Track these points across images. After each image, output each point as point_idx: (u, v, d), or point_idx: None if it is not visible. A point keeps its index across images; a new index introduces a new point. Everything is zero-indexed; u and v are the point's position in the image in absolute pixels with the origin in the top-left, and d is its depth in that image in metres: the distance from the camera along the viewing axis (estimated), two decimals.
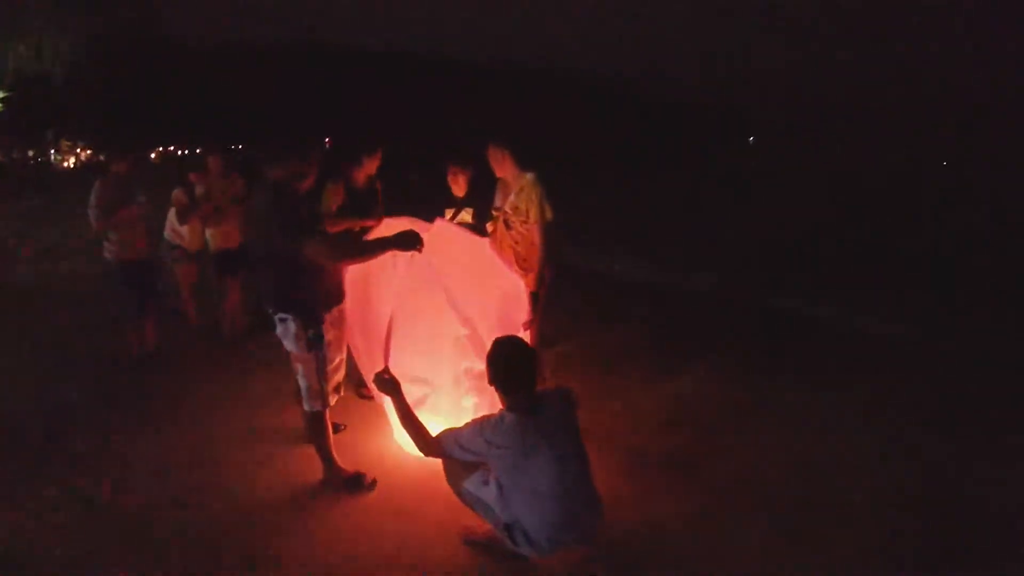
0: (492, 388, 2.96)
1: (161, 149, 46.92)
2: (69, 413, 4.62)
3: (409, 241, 3.16)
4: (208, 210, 5.84)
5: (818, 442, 4.43)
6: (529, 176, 4.38)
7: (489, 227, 4.76)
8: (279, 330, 3.36)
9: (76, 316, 7.02)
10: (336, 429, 3.96)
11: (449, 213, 4.94)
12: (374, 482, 3.68)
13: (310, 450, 3.81)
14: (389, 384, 3.14)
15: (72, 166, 39.61)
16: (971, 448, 4.40)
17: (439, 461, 3.16)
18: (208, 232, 6.03)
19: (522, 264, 4.37)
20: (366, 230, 4.25)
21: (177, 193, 5.84)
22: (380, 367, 3.26)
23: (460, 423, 3.10)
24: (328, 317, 3.36)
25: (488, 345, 3.09)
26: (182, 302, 6.22)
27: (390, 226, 3.84)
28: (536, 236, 4.32)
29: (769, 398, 5.13)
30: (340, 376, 3.59)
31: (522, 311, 3.86)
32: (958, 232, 14.66)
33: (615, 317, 7.38)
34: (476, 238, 4.07)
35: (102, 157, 43.26)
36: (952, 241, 14.01)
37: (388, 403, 3.68)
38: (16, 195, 20.55)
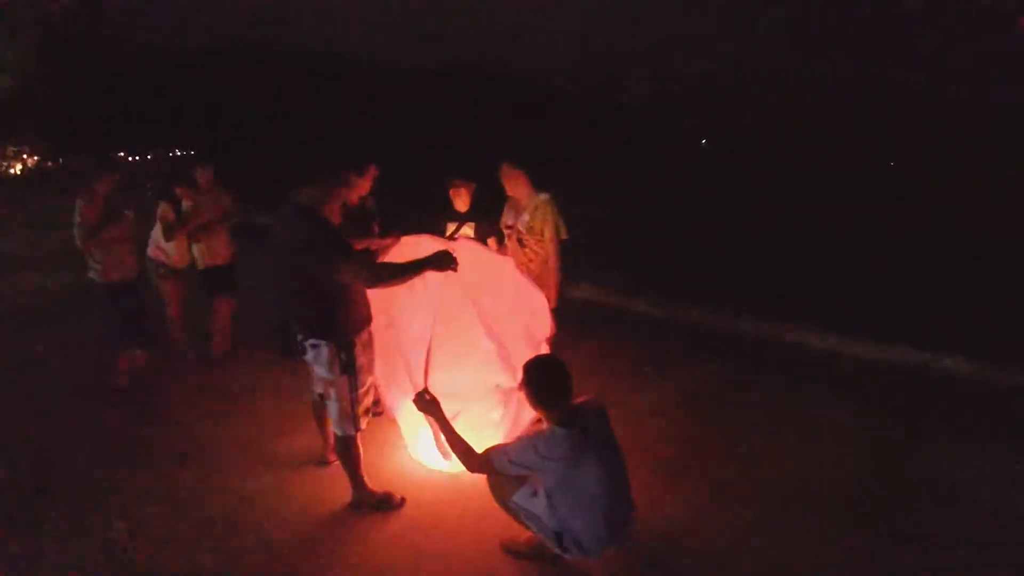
0: (518, 401, 3.10)
1: (109, 154, 45.67)
2: (62, 447, 4.40)
3: (444, 261, 3.20)
4: (194, 226, 5.62)
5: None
6: (543, 196, 4.45)
7: (491, 242, 4.81)
8: (310, 356, 3.34)
9: (51, 338, 6.70)
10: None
11: (451, 228, 4.92)
12: (403, 500, 3.69)
13: (329, 472, 3.79)
14: (430, 404, 3.18)
15: (19, 172, 38.26)
16: None
17: (464, 474, 3.20)
18: (196, 249, 5.81)
19: (535, 282, 4.31)
20: (376, 250, 4.14)
21: (163, 208, 5.56)
22: (407, 383, 3.33)
23: (490, 436, 3.26)
24: (359, 340, 3.33)
25: (516, 360, 3.21)
26: (169, 322, 5.92)
27: (409, 244, 3.90)
28: (551, 255, 4.39)
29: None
30: (370, 399, 3.55)
31: (545, 326, 3.90)
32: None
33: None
34: (500, 256, 4.11)
35: (49, 164, 42.18)
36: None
37: (403, 418, 3.85)
38: None
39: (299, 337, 3.35)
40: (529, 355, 3.60)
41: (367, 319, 3.40)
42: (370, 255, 3.49)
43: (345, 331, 3.27)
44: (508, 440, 3.48)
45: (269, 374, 5.66)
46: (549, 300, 4.16)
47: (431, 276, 3.31)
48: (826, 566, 3.27)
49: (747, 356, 6.49)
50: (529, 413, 3.61)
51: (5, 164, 37.34)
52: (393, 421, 4.04)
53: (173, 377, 5.62)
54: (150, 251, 5.76)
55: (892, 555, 3.36)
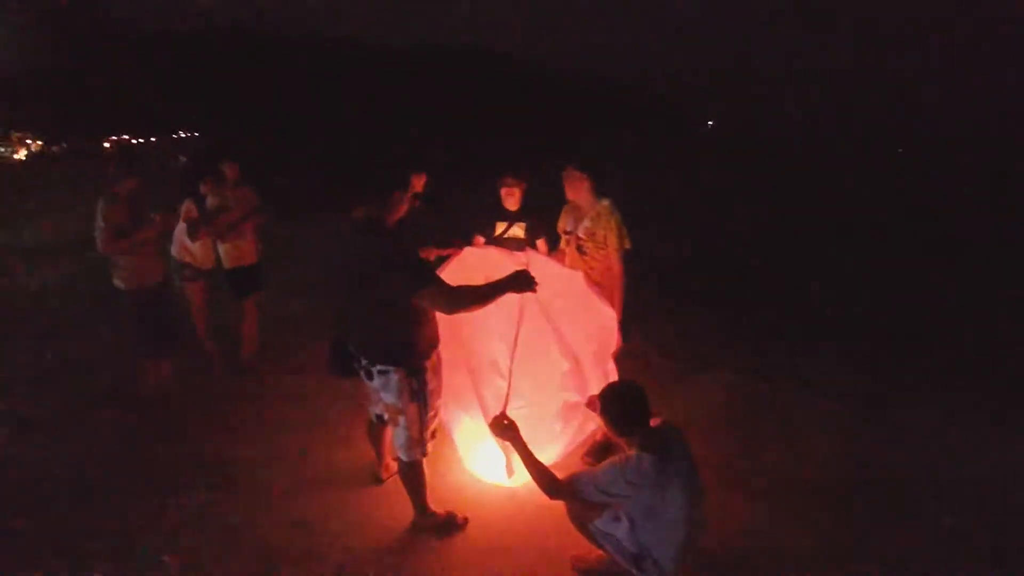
0: (583, 414, 3.23)
1: (115, 138, 45.45)
2: (96, 464, 4.16)
3: (524, 282, 3.05)
4: (221, 225, 5.33)
5: None
6: (606, 202, 4.26)
7: (541, 243, 4.78)
8: (377, 383, 3.14)
9: (67, 342, 6.48)
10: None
11: (500, 227, 4.78)
12: (466, 520, 3.58)
13: (383, 491, 3.69)
14: (508, 429, 3.09)
15: (24, 158, 38.01)
16: None
17: (522, 488, 3.27)
18: (221, 248, 5.52)
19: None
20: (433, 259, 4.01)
21: (187, 206, 5.27)
22: (467, 399, 3.36)
23: (550, 448, 3.44)
24: (429, 364, 3.15)
25: (588, 376, 3.38)
26: (196, 326, 5.64)
27: (474, 255, 3.85)
28: (614, 263, 4.21)
29: None
30: (438, 421, 3.38)
31: (613, 341, 3.82)
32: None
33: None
34: (570, 270, 3.96)
35: (54, 148, 41.95)
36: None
37: (459, 433, 3.80)
38: None
39: (363, 362, 3.15)
40: (599, 371, 3.66)
41: (436, 341, 3.22)
42: (436, 273, 3.21)
43: (416, 356, 3.09)
44: (566, 453, 3.62)
45: (301, 380, 5.39)
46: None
47: (505, 296, 3.14)
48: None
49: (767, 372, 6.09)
50: (590, 427, 3.66)
51: (9, 149, 37.10)
52: (445, 433, 3.84)
53: (203, 386, 5.36)
54: (174, 251, 5.47)
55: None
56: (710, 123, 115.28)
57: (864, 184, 24.62)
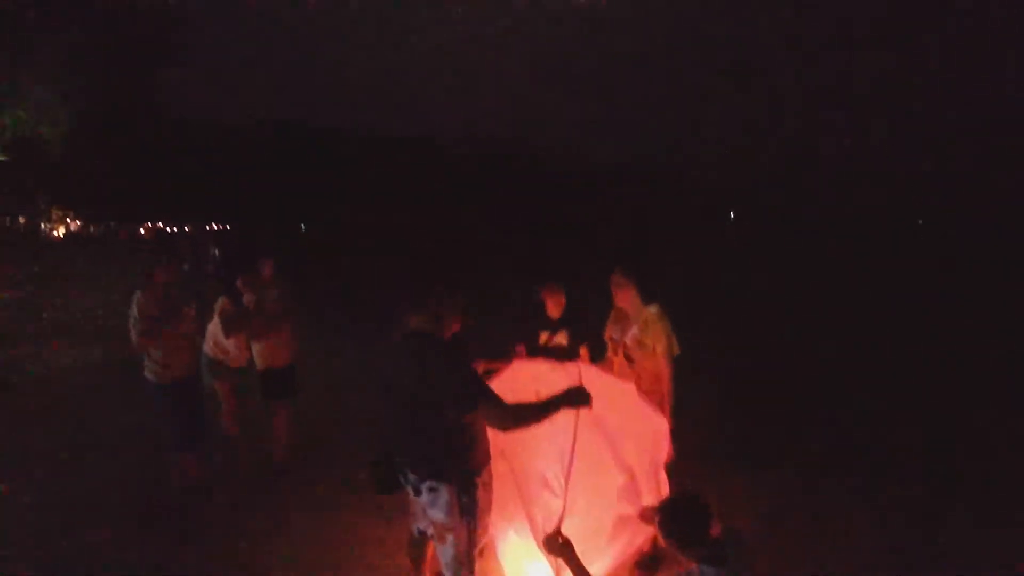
0: (633, 527, 3.17)
1: (150, 225, 46.99)
2: (109, 562, 3.96)
3: (580, 398, 3.00)
4: (258, 323, 5.21)
5: None
6: (654, 309, 4.20)
7: (583, 350, 4.72)
8: (426, 498, 2.97)
9: (92, 427, 6.37)
10: None
11: (543, 335, 4.70)
12: None
13: None
14: (564, 548, 2.94)
15: (61, 236, 39.13)
16: None
17: None
18: (255, 347, 5.38)
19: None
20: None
21: (223, 302, 5.19)
22: (515, 515, 3.27)
23: (600, 566, 3.26)
24: (480, 481, 3.01)
25: (642, 488, 3.35)
26: (224, 425, 5.45)
27: (524, 368, 3.75)
28: (663, 370, 4.10)
29: None
30: (486, 538, 3.24)
31: (664, 450, 3.73)
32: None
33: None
34: (622, 381, 3.84)
35: (92, 228, 43.25)
36: None
37: (506, 550, 3.59)
38: (5, 262, 20.03)
39: (411, 477, 2.99)
40: (652, 482, 3.59)
41: (488, 457, 3.11)
42: (491, 390, 3.05)
43: (469, 472, 2.96)
44: (614, 567, 3.44)
45: (334, 488, 5.15)
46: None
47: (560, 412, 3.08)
48: None
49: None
50: (639, 540, 3.52)
51: (49, 225, 38.24)
52: (491, 550, 3.67)
53: (229, 488, 5.13)
54: (207, 347, 5.35)
55: None
56: (731, 213, 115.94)
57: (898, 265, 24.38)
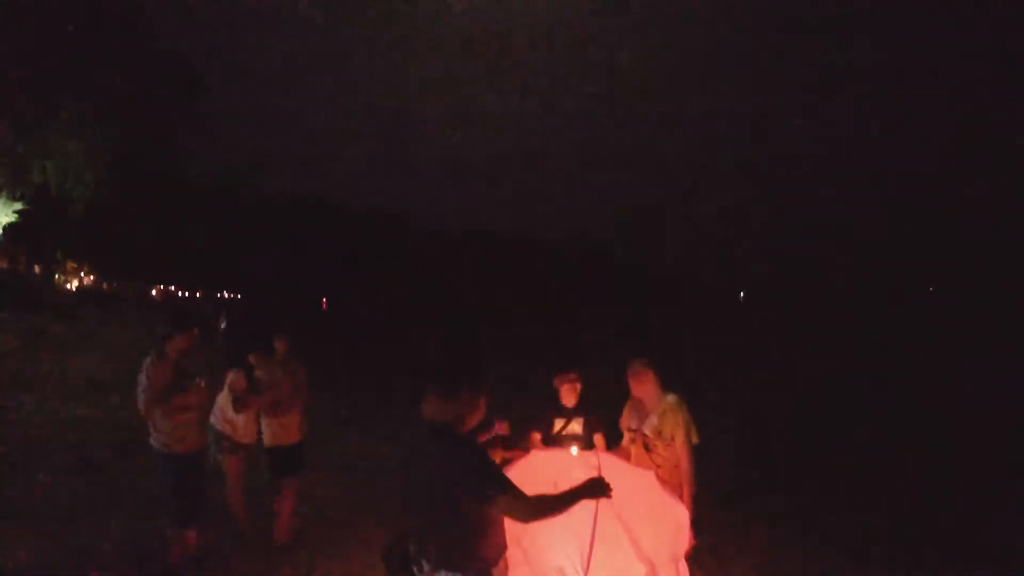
0: None
1: (162, 287, 47.55)
2: None
3: (599, 489, 2.96)
4: (269, 400, 5.16)
5: None
6: (671, 398, 4.19)
7: (598, 439, 4.61)
8: None
9: (91, 489, 6.23)
10: None
11: (558, 424, 4.63)
12: None
13: None
14: None
15: (74, 289, 39.46)
16: None
17: None
18: (264, 423, 5.32)
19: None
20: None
21: (235, 377, 5.15)
22: None
23: None
24: (495, 572, 2.91)
25: None
26: (229, 500, 5.34)
27: (540, 458, 3.75)
28: (683, 460, 4.11)
29: None
30: None
31: (685, 540, 3.72)
32: None
33: None
34: (641, 471, 3.86)
35: (104, 285, 43.69)
36: None
37: None
38: (16, 310, 20.14)
39: (425, 567, 2.89)
40: (672, 572, 3.54)
41: (504, 546, 3.00)
42: (511, 481, 2.99)
43: (484, 563, 2.87)
44: None
45: (337, 567, 4.98)
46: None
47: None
48: None
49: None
50: None
51: (63, 278, 38.65)
52: None
53: (230, 565, 4.97)
54: (214, 420, 5.28)
55: None
56: (741, 294, 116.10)
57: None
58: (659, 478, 3.86)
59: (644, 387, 4.24)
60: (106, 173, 21.11)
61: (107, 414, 9.42)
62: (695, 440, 4.11)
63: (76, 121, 19.44)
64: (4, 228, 22.49)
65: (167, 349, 4.52)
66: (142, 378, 4.39)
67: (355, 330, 33.77)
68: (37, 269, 35.05)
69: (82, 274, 40.80)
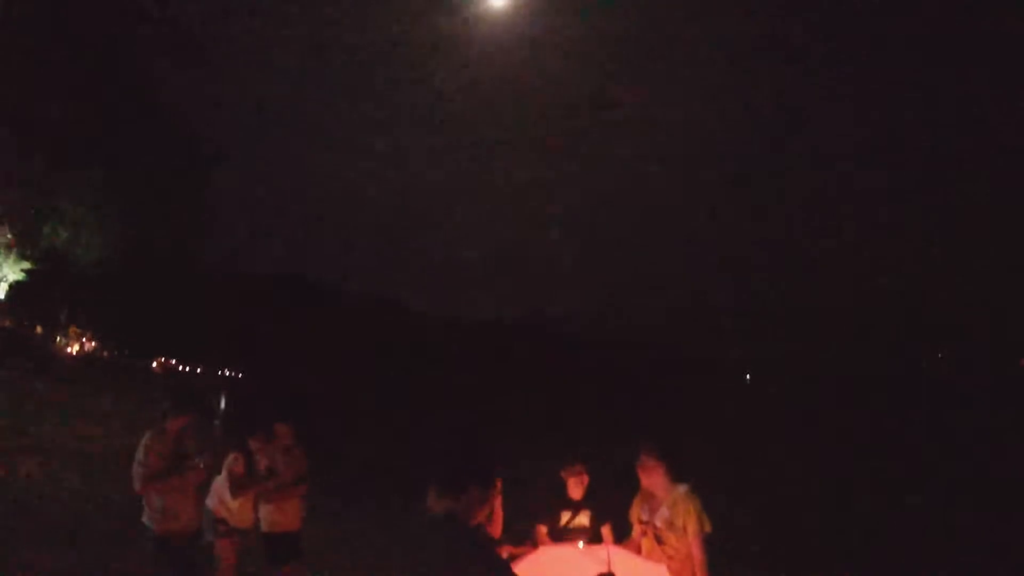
0: None
1: (163, 360, 47.59)
2: None
3: None
4: (269, 487, 5.05)
5: None
6: (682, 488, 4.13)
7: (605, 531, 4.56)
8: None
9: (77, 565, 6.02)
10: None
11: (565, 516, 4.55)
12: None
13: None
14: None
15: (75, 353, 39.35)
16: None
17: None
18: (262, 509, 5.19)
19: None
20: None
21: (233, 460, 5.05)
22: None
23: None
24: None
25: None
26: None
27: (548, 554, 3.66)
28: (695, 550, 4.01)
29: None
30: None
31: None
32: None
33: None
34: (654, 564, 3.81)
35: (104, 353, 43.66)
36: None
37: None
38: (14, 370, 20.05)
39: None
40: None
41: None
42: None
43: None
44: None
45: None
46: None
47: None
48: None
49: None
50: None
51: (65, 341, 38.59)
52: None
53: None
54: (210, 503, 5.15)
55: None
56: (747, 376, 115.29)
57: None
58: (671, 571, 3.77)
59: (653, 478, 4.18)
60: (113, 241, 21.48)
61: (98, 486, 9.23)
62: (708, 529, 4.04)
63: (88, 189, 19.91)
64: (11, 286, 22.73)
65: (167, 427, 4.47)
66: (140, 455, 4.31)
67: (356, 413, 33.53)
68: (39, 330, 35.03)
69: (83, 339, 40.75)
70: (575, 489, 4.56)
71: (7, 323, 28.69)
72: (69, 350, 38.81)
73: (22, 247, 21.30)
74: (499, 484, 4.14)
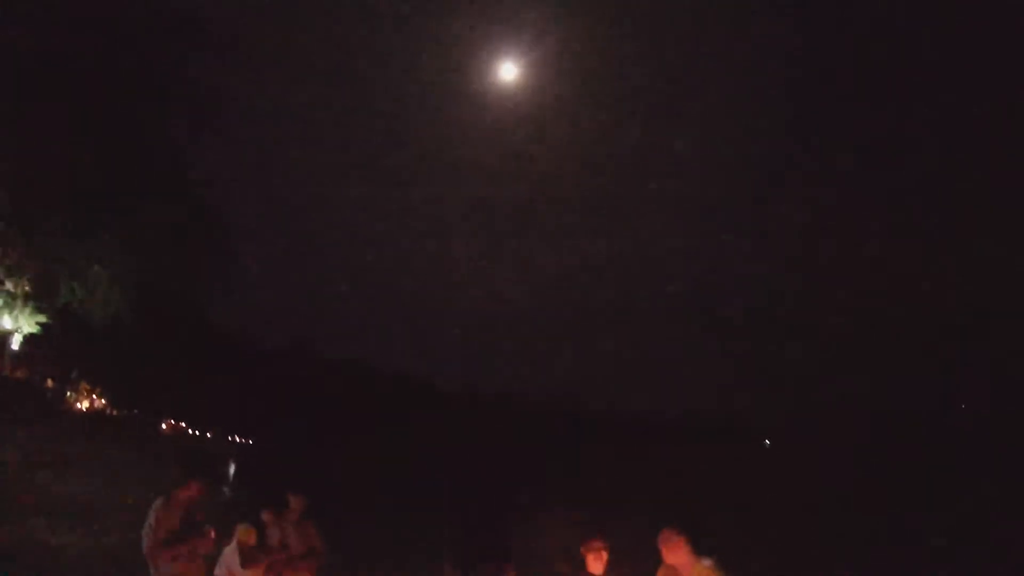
0: None
1: (172, 421, 47.51)
2: None
3: None
4: (280, 560, 4.94)
5: None
6: (708, 562, 4.04)
7: None
8: None
9: None
10: None
11: None
12: None
13: None
14: None
15: (84, 409, 39.29)
16: None
17: None
18: None
19: None
20: None
21: (244, 531, 4.95)
22: None
23: None
24: None
25: None
26: None
27: None
28: None
29: None
30: None
31: None
32: None
33: None
34: None
35: (114, 412, 43.65)
36: None
37: None
38: (25, 424, 19.99)
39: None
40: None
41: None
42: None
43: None
44: None
45: None
46: None
47: None
48: None
49: None
50: None
51: (75, 396, 38.57)
52: None
53: None
54: (219, 572, 5.04)
55: None
56: (767, 442, 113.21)
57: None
58: None
59: (677, 554, 4.08)
60: (128, 300, 21.69)
61: (104, 544, 9.09)
62: None
63: (106, 249, 20.22)
64: (25, 337, 22.87)
65: (178, 495, 4.43)
66: (150, 520, 4.27)
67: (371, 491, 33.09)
68: (50, 383, 35.06)
69: (94, 396, 40.75)
70: (595, 564, 4.49)
71: (19, 374, 28.77)
72: (79, 405, 38.76)
73: (38, 300, 21.51)
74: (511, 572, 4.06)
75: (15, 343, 22.98)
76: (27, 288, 20.93)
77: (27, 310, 21.54)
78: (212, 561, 4.81)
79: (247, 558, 4.84)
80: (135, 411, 44.60)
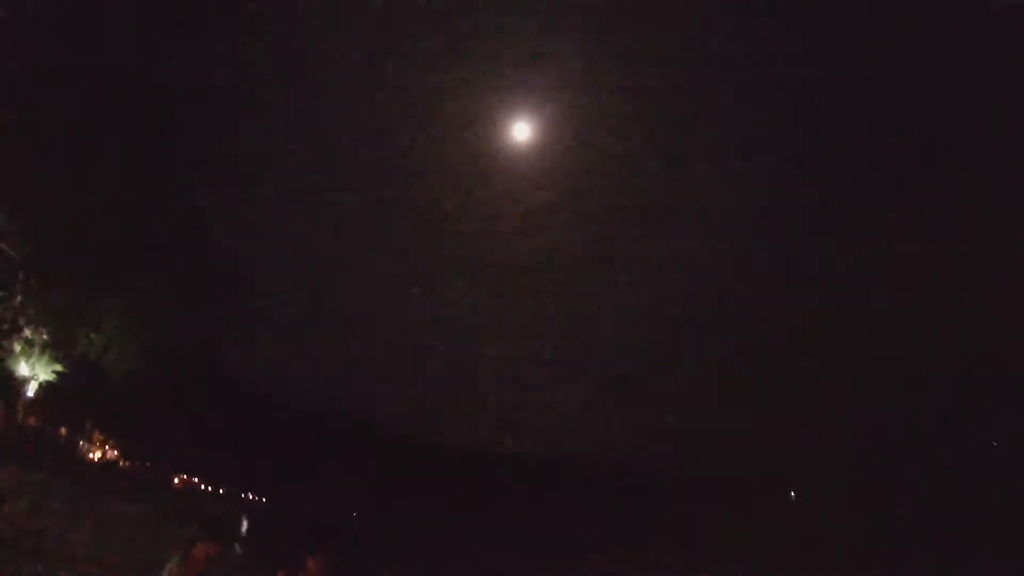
0: None
1: (185, 477, 47.17)
2: None
3: None
4: None
5: None
6: None
7: None
8: None
9: None
10: None
11: None
12: None
13: None
14: None
15: (96, 459, 39.00)
16: None
17: None
18: None
19: None
20: None
21: None
22: None
23: None
24: None
25: None
26: None
27: None
28: None
29: None
30: None
31: None
32: None
33: None
34: None
35: (127, 464, 43.39)
36: None
37: None
38: (36, 471, 19.77)
39: None
40: None
41: None
42: None
43: None
44: None
45: None
46: None
47: None
48: None
49: None
50: None
51: (88, 446, 38.31)
52: None
53: None
54: None
55: None
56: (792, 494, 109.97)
57: None
58: None
59: None
60: (144, 356, 21.70)
61: None
62: None
63: (124, 302, 20.30)
64: (41, 385, 22.85)
65: (193, 554, 4.24)
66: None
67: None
68: (64, 432, 34.89)
69: (107, 447, 40.52)
70: None
71: (32, 421, 28.68)
72: (91, 455, 38.48)
73: (56, 349, 21.54)
74: None
75: (31, 390, 22.97)
76: (45, 337, 20.98)
77: (44, 358, 21.57)
78: None
79: None
80: (147, 463, 44.38)
